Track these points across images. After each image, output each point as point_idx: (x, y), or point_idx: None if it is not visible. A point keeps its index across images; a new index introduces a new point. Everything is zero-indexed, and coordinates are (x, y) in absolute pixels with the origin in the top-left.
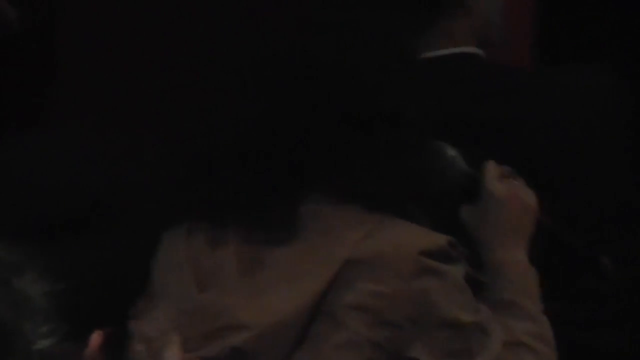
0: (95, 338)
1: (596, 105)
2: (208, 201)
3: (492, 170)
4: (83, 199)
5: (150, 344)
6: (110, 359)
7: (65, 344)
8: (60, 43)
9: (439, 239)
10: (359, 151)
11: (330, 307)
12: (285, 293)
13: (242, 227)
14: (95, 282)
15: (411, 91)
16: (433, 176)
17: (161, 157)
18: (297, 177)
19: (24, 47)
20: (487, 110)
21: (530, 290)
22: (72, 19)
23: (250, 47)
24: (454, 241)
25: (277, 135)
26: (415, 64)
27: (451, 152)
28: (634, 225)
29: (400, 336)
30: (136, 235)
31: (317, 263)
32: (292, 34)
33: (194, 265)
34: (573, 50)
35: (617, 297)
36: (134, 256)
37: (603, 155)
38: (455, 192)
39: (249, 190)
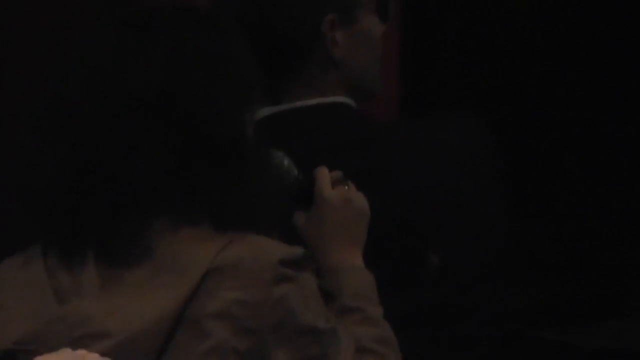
0: None
1: (459, 149)
2: (60, 228)
3: (324, 175)
4: None
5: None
6: None
7: None
8: None
9: (295, 250)
10: (203, 179)
11: (194, 315)
12: (145, 303)
13: (97, 249)
14: None
15: (248, 122)
16: (278, 191)
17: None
18: (142, 204)
19: None
20: (353, 159)
21: (370, 294)
22: None
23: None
24: (308, 253)
25: (121, 165)
26: (254, 100)
27: (286, 160)
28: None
29: (263, 343)
30: None
31: (175, 275)
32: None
33: (52, 283)
34: (435, 99)
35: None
36: None
37: (469, 197)
38: (290, 200)
39: (96, 217)
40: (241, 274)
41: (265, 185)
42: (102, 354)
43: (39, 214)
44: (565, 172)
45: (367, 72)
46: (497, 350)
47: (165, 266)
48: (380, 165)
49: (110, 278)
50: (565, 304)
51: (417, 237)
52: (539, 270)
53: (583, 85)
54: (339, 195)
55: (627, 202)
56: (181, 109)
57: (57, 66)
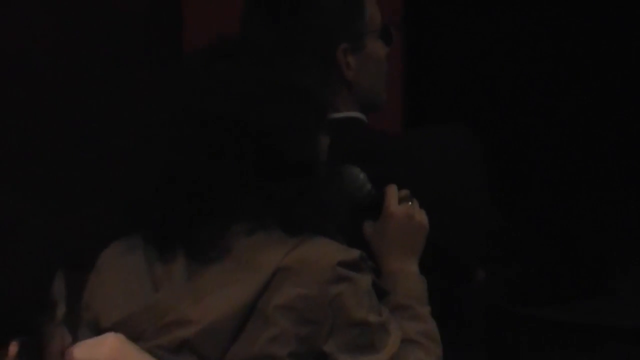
0: (13, 346)
1: (453, 154)
2: (157, 227)
3: (392, 192)
4: None
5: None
6: None
7: None
8: None
9: (353, 253)
10: (275, 190)
11: (263, 307)
12: (222, 296)
13: (186, 246)
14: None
15: (321, 144)
16: (345, 201)
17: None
18: (223, 211)
19: None
20: (368, 165)
21: (421, 296)
22: None
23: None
24: (365, 255)
25: (207, 178)
26: (324, 123)
27: (361, 175)
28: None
29: (319, 332)
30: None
31: (249, 272)
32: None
33: (150, 272)
34: (433, 113)
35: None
36: (40, 282)
37: (463, 194)
38: (362, 210)
39: (186, 219)
40: (304, 273)
41: (332, 196)
42: (185, 340)
43: (141, 214)
44: (548, 170)
45: (374, 88)
46: (485, 327)
47: (240, 264)
48: (397, 172)
49: (195, 272)
50: (548, 285)
51: (468, 253)
52: (523, 254)
53: (559, 96)
54: (403, 210)
55: (601, 196)
56: (259, 131)
57: (160, 92)
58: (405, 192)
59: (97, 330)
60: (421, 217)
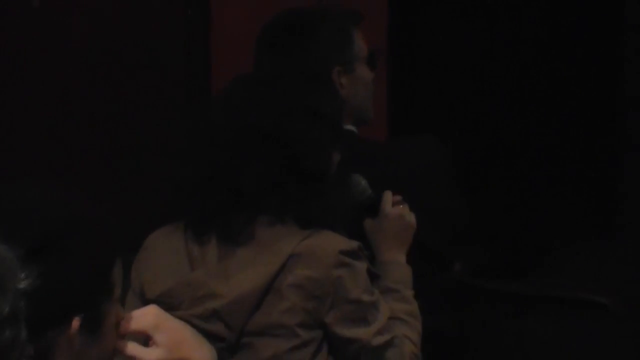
0: (76, 321)
1: (427, 160)
2: (196, 214)
3: (388, 197)
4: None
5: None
6: (84, 339)
7: (50, 332)
8: None
9: (353, 244)
10: (294, 192)
11: (278, 285)
12: (246, 275)
13: (219, 230)
14: (72, 284)
15: (333, 158)
16: (349, 203)
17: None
18: (251, 205)
19: None
20: (360, 169)
21: (407, 281)
22: None
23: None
24: (362, 246)
25: (240, 177)
26: (339, 140)
27: (361, 180)
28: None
29: (322, 306)
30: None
31: (269, 256)
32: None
33: (188, 252)
34: (413, 125)
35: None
36: (98, 265)
37: (435, 194)
38: (363, 210)
39: (220, 210)
40: (312, 259)
41: (338, 199)
42: (215, 310)
43: (183, 204)
44: (504, 170)
45: (363, 105)
46: (452, 298)
47: (262, 249)
48: (384, 174)
49: (225, 254)
50: (505, 263)
51: (446, 248)
52: (485, 238)
53: (508, 104)
54: (396, 212)
55: (545, 191)
56: (284, 144)
57: (209, 106)
58: (398, 197)
59: (143, 300)
60: (410, 217)
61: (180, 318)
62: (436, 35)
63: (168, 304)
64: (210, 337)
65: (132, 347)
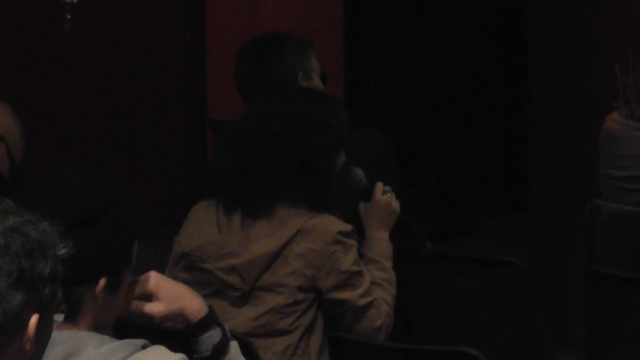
0: (102, 281)
1: (373, 149)
2: (227, 194)
3: (379, 187)
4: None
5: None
6: (106, 297)
7: (79, 287)
8: None
9: (348, 226)
10: (307, 182)
11: (286, 253)
12: (261, 242)
13: (244, 207)
14: (103, 253)
15: (338, 157)
16: (348, 193)
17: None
18: (272, 191)
19: None
20: None
21: (388, 254)
22: None
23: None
24: (355, 229)
25: (264, 170)
26: (343, 144)
27: (359, 172)
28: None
29: (319, 274)
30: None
31: (281, 229)
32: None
33: (217, 220)
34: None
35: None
36: (125, 239)
37: (383, 176)
38: (358, 196)
39: (246, 193)
40: (315, 235)
41: (340, 189)
42: (234, 266)
43: (218, 187)
44: (435, 157)
45: None
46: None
47: (277, 224)
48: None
49: (247, 225)
50: (439, 230)
51: (422, 229)
52: (419, 211)
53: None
54: (385, 199)
55: (468, 176)
56: (300, 148)
57: (244, 114)
58: (387, 187)
59: (181, 253)
60: (395, 204)
61: (207, 269)
62: (382, 53)
63: (198, 257)
64: (228, 286)
65: (141, 304)
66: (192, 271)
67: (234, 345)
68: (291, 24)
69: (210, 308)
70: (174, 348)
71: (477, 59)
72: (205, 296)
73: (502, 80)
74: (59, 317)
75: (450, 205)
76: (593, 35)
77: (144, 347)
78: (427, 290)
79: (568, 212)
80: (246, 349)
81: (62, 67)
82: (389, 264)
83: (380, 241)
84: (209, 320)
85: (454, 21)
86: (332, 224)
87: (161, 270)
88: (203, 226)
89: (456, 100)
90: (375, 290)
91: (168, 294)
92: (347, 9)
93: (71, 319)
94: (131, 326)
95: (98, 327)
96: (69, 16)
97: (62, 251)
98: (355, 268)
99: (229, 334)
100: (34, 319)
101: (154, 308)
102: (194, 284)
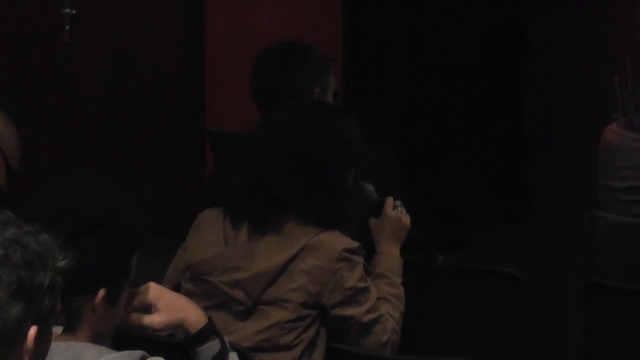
0: (102, 292)
1: (381, 164)
2: (240, 207)
3: (390, 202)
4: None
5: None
6: (105, 308)
7: (79, 298)
8: None
9: (354, 243)
10: (318, 201)
11: (291, 269)
12: (268, 257)
13: (253, 221)
14: (102, 263)
15: (351, 175)
16: (359, 209)
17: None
18: (284, 207)
19: None
20: None
21: (397, 269)
22: None
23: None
24: (361, 246)
25: (277, 186)
26: (357, 162)
27: (370, 188)
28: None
29: (324, 291)
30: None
31: (288, 245)
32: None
33: (224, 232)
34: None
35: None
36: (123, 250)
37: (392, 191)
38: (369, 211)
39: (257, 207)
40: (321, 251)
41: (351, 207)
42: (239, 280)
43: (229, 198)
44: (438, 167)
45: None
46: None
47: (284, 239)
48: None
49: (254, 239)
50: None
51: (433, 243)
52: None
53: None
54: (395, 214)
55: (468, 185)
56: (315, 164)
57: (258, 128)
58: (398, 202)
59: (187, 264)
60: (406, 219)
61: (212, 283)
62: (381, 65)
63: (203, 270)
64: (233, 300)
65: (140, 316)
66: (197, 282)
67: (233, 357)
68: (289, 35)
69: (210, 319)
70: None
71: (478, 67)
72: (209, 308)
73: (502, 89)
74: (57, 330)
75: (447, 217)
76: (593, 46)
77: (142, 358)
78: (427, 303)
79: (568, 223)
80: None
81: (61, 78)
82: (398, 280)
83: (391, 256)
84: (208, 332)
85: (455, 33)
86: (339, 241)
87: (160, 281)
88: (210, 238)
89: (456, 109)
90: (382, 306)
91: (167, 305)
92: (345, 20)
93: (70, 330)
94: (130, 338)
95: (97, 339)
96: (68, 27)
97: (62, 263)
98: (361, 285)
99: (228, 346)
100: (32, 331)
101: (153, 319)
102: (199, 296)
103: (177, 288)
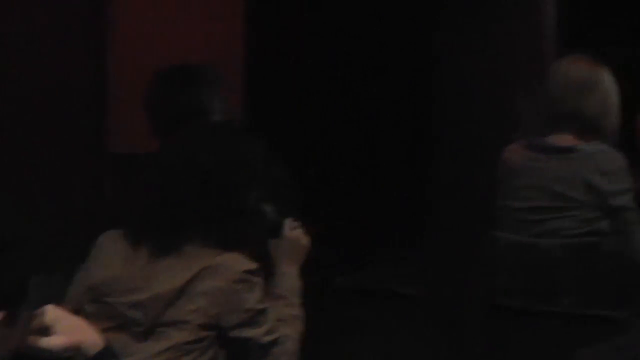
0: (2, 314)
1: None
2: (140, 228)
3: (289, 223)
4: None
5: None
6: (3, 331)
7: None
8: None
9: (254, 265)
10: (218, 222)
11: (190, 290)
12: (166, 279)
13: (153, 242)
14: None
15: (251, 197)
16: (259, 231)
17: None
18: (184, 228)
19: None
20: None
21: (295, 289)
22: None
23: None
24: (260, 267)
25: (179, 208)
26: (258, 183)
27: (269, 209)
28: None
29: (223, 312)
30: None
31: (187, 265)
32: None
33: (125, 253)
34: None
35: None
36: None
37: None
38: (269, 232)
39: (157, 229)
40: (220, 273)
41: (250, 228)
42: (138, 301)
43: (130, 219)
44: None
45: None
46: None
47: (182, 260)
48: None
49: (153, 260)
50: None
51: (331, 261)
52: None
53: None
54: (294, 235)
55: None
56: (218, 186)
57: (162, 149)
58: (297, 223)
59: (88, 285)
60: (305, 240)
61: (109, 304)
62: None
63: (103, 291)
64: (131, 322)
65: (37, 338)
66: (98, 304)
67: None
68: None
69: (107, 342)
70: None
71: (383, 83)
72: (108, 329)
73: (405, 111)
74: None
75: (347, 236)
76: (492, 66)
77: None
78: (326, 323)
79: (468, 244)
80: None
81: None
82: (297, 300)
83: (290, 277)
84: (106, 354)
85: (361, 49)
86: (238, 262)
87: (59, 303)
88: (110, 259)
89: (358, 131)
90: (281, 328)
91: (65, 328)
92: (247, 35)
93: None
94: None
95: None
96: None
97: None
98: (259, 306)
99: None
100: None
101: (51, 341)
102: (99, 317)
103: (78, 310)
